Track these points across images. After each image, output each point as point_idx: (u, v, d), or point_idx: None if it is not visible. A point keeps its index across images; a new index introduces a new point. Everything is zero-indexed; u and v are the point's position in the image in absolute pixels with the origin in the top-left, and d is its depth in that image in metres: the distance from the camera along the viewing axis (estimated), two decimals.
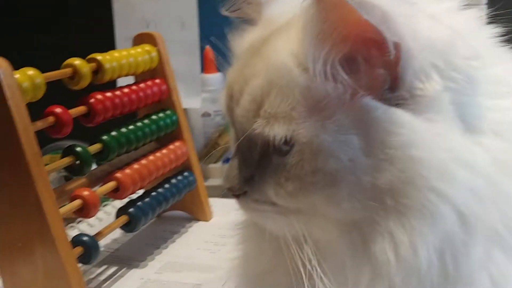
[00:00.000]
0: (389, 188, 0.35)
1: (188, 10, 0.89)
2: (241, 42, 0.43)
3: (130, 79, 0.74)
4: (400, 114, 0.35)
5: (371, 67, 0.35)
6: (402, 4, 0.34)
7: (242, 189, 0.40)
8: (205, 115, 1.00)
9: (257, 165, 0.39)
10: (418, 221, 0.35)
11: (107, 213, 0.80)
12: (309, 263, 0.38)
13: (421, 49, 0.34)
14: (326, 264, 0.38)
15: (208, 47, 0.98)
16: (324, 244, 0.39)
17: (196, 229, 0.77)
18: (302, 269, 0.39)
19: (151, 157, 0.69)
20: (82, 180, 0.62)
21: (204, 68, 0.98)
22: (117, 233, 0.74)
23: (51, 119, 0.57)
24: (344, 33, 0.34)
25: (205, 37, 0.94)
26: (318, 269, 0.38)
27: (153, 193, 0.69)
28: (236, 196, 0.41)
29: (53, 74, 0.58)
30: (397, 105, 0.35)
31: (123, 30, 0.90)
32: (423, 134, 0.35)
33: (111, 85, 0.67)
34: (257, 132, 0.37)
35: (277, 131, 0.37)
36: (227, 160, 1.00)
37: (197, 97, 0.92)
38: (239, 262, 0.48)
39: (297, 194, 0.37)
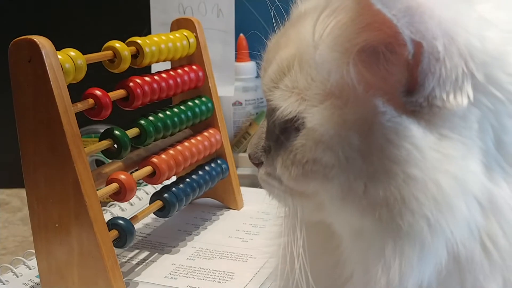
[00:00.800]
0: (385, 202, 0.32)
1: None
2: (296, 10, 0.41)
3: (165, 65, 0.73)
4: (407, 125, 0.31)
5: (390, 64, 0.32)
6: (447, 3, 0.31)
7: (259, 158, 0.40)
8: (236, 104, 1.00)
9: (276, 139, 0.38)
10: (409, 249, 0.32)
11: (139, 197, 0.80)
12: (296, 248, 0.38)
13: (455, 55, 0.30)
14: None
15: (241, 36, 0.98)
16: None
17: (228, 217, 0.76)
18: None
19: (186, 143, 0.69)
20: (118, 164, 0.62)
21: (236, 57, 0.97)
22: (149, 218, 0.74)
23: (91, 101, 0.57)
24: (367, 22, 0.31)
25: (239, 25, 0.93)
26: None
27: (187, 180, 0.69)
28: (255, 164, 0.41)
29: (94, 56, 0.58)
30: (411, 112, 0.32)
31: (159, 15, 0.90)
32: (429, 153, 0.31)
33: (145, 70, 0.67)
34: (274, 104, 0.37)
35: (287, 107, 0.35)
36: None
37: (231, 85, 0.91)
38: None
39: (300, 179, 0.36)
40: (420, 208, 0.31)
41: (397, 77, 0.32)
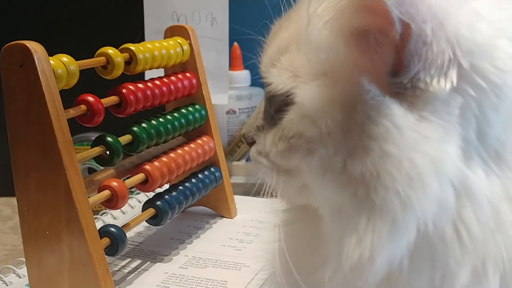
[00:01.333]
0: (361, 177, 0.32)
1: (219, 6, 0.88)
2: None
3: (158, 72, 0.73)
4: (389, 105, 0.32)
5: (380, 45, 0.32)
6: None
7: (252, 137, 0.41)
8: (230, 112, 0.99)
9: (270, 118, 0.39)
10: (381, 224, 0.32)
11: (131, 205, 0.79)
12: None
13: (443, 40, 0.31)
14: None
15: (235, 44, 0.98)
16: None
17: (221, 225, 0.76)
18: None
19: (179, 151, 0.68)
20: (110, 171, 0.61)
21: (230, 65, 0.97)
22: (141, 226, 0.74)
23: (83, 107, 0.56)
24: (363, 4, 0.31)
25: (233, 34, 0.93)
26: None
27: (180, 187, 0.69)
28: (248, 144, 0.42)
29: (87, 62, 0.57)
30: (395, 93, 0.32)
31: (152, 23, 0.89)
32: (407, 132, 0.32)
33: (138, 77, 0.67)
34: (269, 81, 0.37)
35: (280, 83, 0.36)
36: (250, 158, 1.00)
37: (224, 94, 0.91)
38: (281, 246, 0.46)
39: (285, 154, 0.37)
40: (393, 183, 0.31)
41: (385, 58, 0.32)
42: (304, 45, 0.36)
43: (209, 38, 0.88)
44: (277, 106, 0.37)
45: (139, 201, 0.80)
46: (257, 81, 1.02)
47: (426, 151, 0.31)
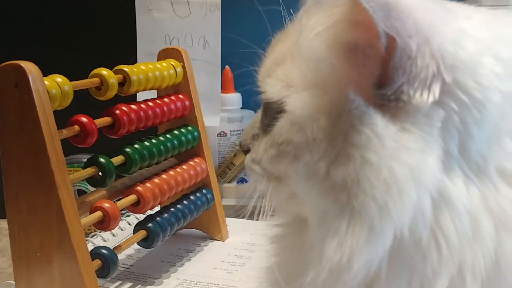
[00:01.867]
0: (343, 183, 0.34)
1: (211, 29, 0.89)
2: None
3: (151, 94, 0.73)
4: (372, 114, 0.33)
5: (367, 58, 0.33)
6: (428, 7, 0.32)
7: (247, 146, 0.43)
8: (221, 134, 1.00)
9: (265, 127, 0.40)
10: (360, 229, 0.33)
11: (122, 228, 0.78)
12: None
13: (427, 55, 0.32)
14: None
15: (227, 67, 0.99)
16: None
17: (212, 248, 0.75)
18: None
19: (171, 172, 0.68)
20: (102, 192, 0.61)
21: (222, 88, 0.98)
22: (132, 249, 0.73)
23: (76, 128, 0.56)
24: (356, 20, 0.32)
25: (225, 57, 0.94)
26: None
27: (172, 209, 0.68)
28: (244, 152, 0.44)
29: (81, 83, 0.57)
30: (379, 105, 0.33)
31: (145, 45, 0.90)
32: (388, 142, 0.32)
33: (131, 98, 0.67)
34: (264, 90, 0.39)
35: (274, 91, 0.38)
36: (241, 181, 1.00)
37: (216, 116, 0.91)
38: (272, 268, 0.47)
39: (274, 160, 0.38)
40: (371, 190, 0.32)
41: (372, 70, 0.33)
42: (297, 55, 0.37)
43: (201, 61, 0.89)
44: (270, 114, 0.39)
45: (130, 224, 0.79)
46: (248, 103, 1.03)
47: (406, 160, 0.32)
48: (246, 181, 0.99)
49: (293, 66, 0.38)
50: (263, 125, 0.41)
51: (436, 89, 0.32)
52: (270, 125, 0.39)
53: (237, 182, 0.98)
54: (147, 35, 0.89)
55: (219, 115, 0.92)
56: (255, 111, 1.04)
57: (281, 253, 0.45)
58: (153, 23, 0.89)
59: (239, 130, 1.00)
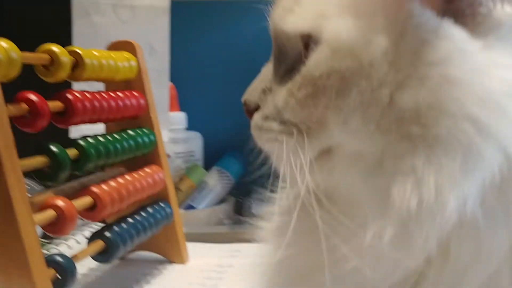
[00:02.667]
0: (414, 111, 0.29)
1: (158, 36, 0.81)
2: None
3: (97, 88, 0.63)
4: (449, 27, 0.30)
5: None
6: None
7: (255, 102, 0.37)
8: None
9: (283, 75, 0.35)
10: (448, 159, 0.28)
11: (77, 241, 0.66)
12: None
13: None
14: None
15: (171, 84, 0.90)
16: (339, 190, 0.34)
17: (174, 272, 0.64)
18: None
19: (127, 177, 0.58)
20: (49, 194, 0.50)
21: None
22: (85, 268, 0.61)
23: (24, 106, 0.46)
24: None
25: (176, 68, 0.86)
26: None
27: (130, 220, 0.58)
28: (250, 113, 0.37)
29: (30, 56, 0.47)
30: (453, 20, 0.30)
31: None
32: (473, 57, 0.29)
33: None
34: (287, 30, 0.34)
35: (302, 26, 0.33)
36: (189, 207, 0.90)
37: (164, 130, 0.82)
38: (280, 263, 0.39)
39: (308, 104, 0.33)
40: (462, 109, 0.28)
41: None
42: None
43: (148, 69, 0.80)
44: (291, 57, 0.34)
45: (86, 238, 0.67)
46: (194, 125, 0.94)
47: (499, 75, 0.29)
48: (194, 208, 0.89)
49: None
50: (277, 75, 0.36)
51: None
52: (292, 70, 0.34)
53: (185, 209, 0.88)
54: (85, 41, 0.80)
55: (168, 129, 0.83)
56: (202, 134, 0.96)
57: (292, 244, 0.37)
58: (91, 28, 0.80)
59: (184, 153, 0.92)
